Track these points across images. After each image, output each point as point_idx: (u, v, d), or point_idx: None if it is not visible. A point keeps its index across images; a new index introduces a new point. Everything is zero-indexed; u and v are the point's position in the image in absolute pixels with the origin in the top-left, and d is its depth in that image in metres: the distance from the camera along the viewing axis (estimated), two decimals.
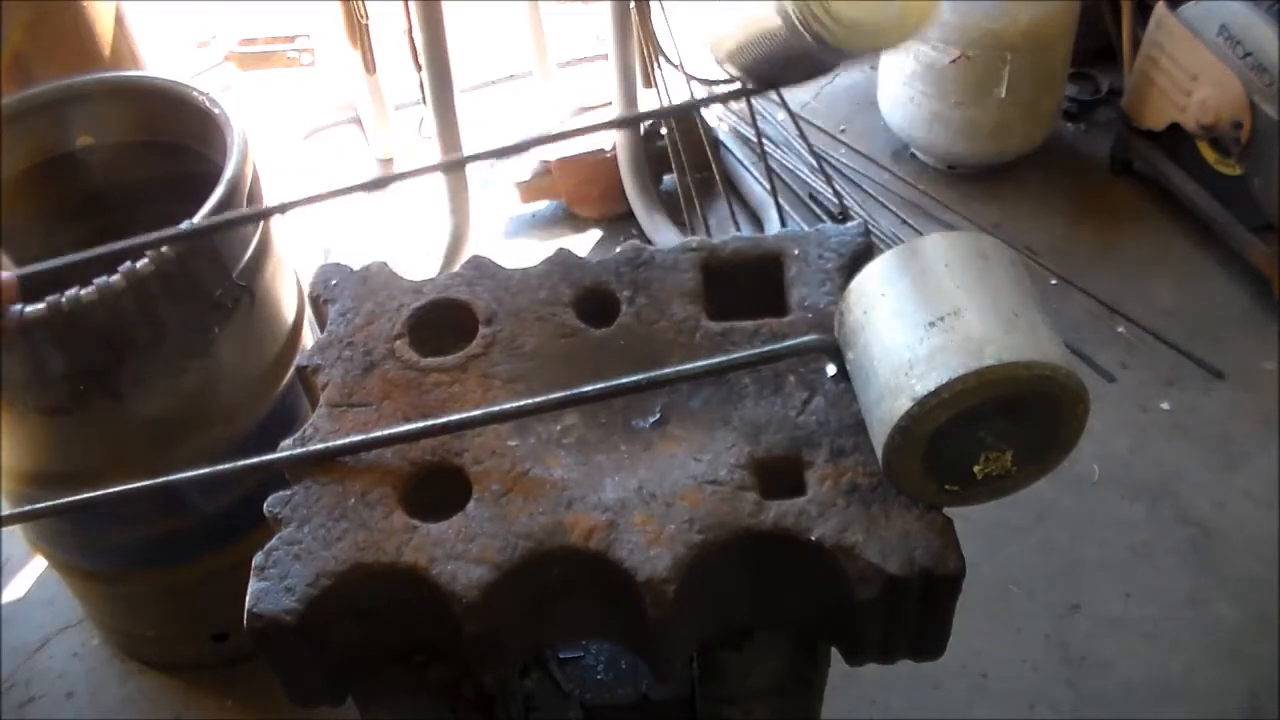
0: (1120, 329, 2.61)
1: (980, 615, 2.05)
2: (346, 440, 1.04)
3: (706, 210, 2.77)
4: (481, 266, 1.23)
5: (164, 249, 1.47)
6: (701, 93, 2.66)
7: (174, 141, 1.82)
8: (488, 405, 1.05)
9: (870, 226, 2.63)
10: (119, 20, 2.15)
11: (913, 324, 0.82)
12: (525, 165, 2.95)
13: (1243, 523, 2.23)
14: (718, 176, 2.79)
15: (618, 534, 0.93)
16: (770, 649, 1.10)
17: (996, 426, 0.81)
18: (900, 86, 2.92)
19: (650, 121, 2.83)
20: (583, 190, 2.93)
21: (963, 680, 2.00)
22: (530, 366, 1.10)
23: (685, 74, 2.70)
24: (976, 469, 0.84)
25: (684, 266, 1.15)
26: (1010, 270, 0.85)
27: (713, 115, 3.08)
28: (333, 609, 0.97)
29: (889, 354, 0.82)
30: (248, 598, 0.97)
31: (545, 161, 2.91)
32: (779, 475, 0.96)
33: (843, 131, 3.20)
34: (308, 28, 3.39)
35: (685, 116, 2.73)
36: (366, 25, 2.91)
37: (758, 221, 2.83)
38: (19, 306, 1.42)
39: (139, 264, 1.46)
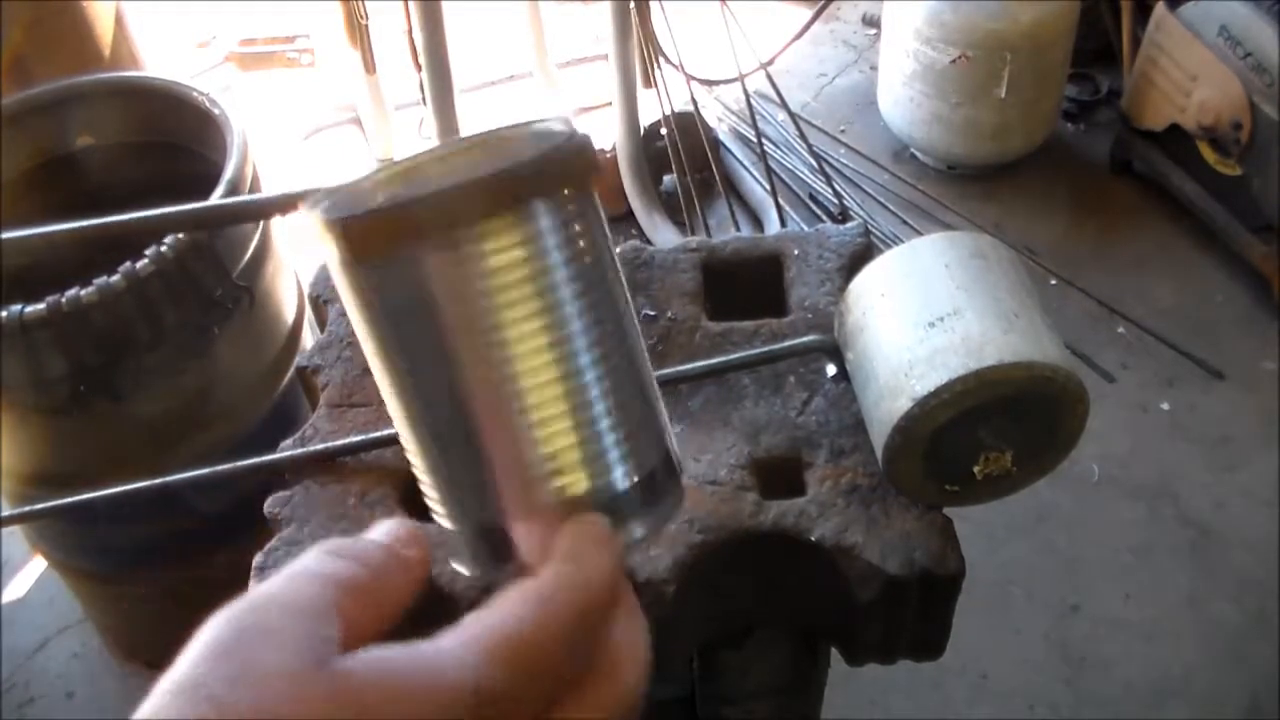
0: (1120, 329, 2.61)
1: (980, 615, 2.05)
2: (346, 441, 1.04)
3: (706, 210, 2.76)
4: None
5: (164, 249, 1.47)
6: (701, 93, 2.66)
7: (174, 141, 1.82)
8: None
9: (870, 226, 2.63)
10: (119, 20, 2.15)
11: (912, 324, 0.82)
12: None
13: (1243, 523, 2.23)
14: (718, 176, 2.79)
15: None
16: (770, 649, 1.10)
17: (996, 427, 0.81)
18: (900, 87, 2.92)
19: (649, 121, 2.83)
20: None
21: (963, 680, 2.00)
22: None
23: (685, 74, 2.70)
24: (976, 469, 0.84)
25: (684, 266, 1.14)
26: (1010, 270, 0.85)
27: (713, 115, 3.08)
28: None
29: (889, 354, 0.82)
30: None
31: None
32: (779, 475, 0.96)
33: (843, 132, 3.20)
34: (308, 28, 3.39)
35: (685, 117, 2.73)
36: (366, 25, 2.91)
37: (758, 221, 2.83)
38: (19, 306, 1.42)
39: (139, 264, 1.47)
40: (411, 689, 0.35)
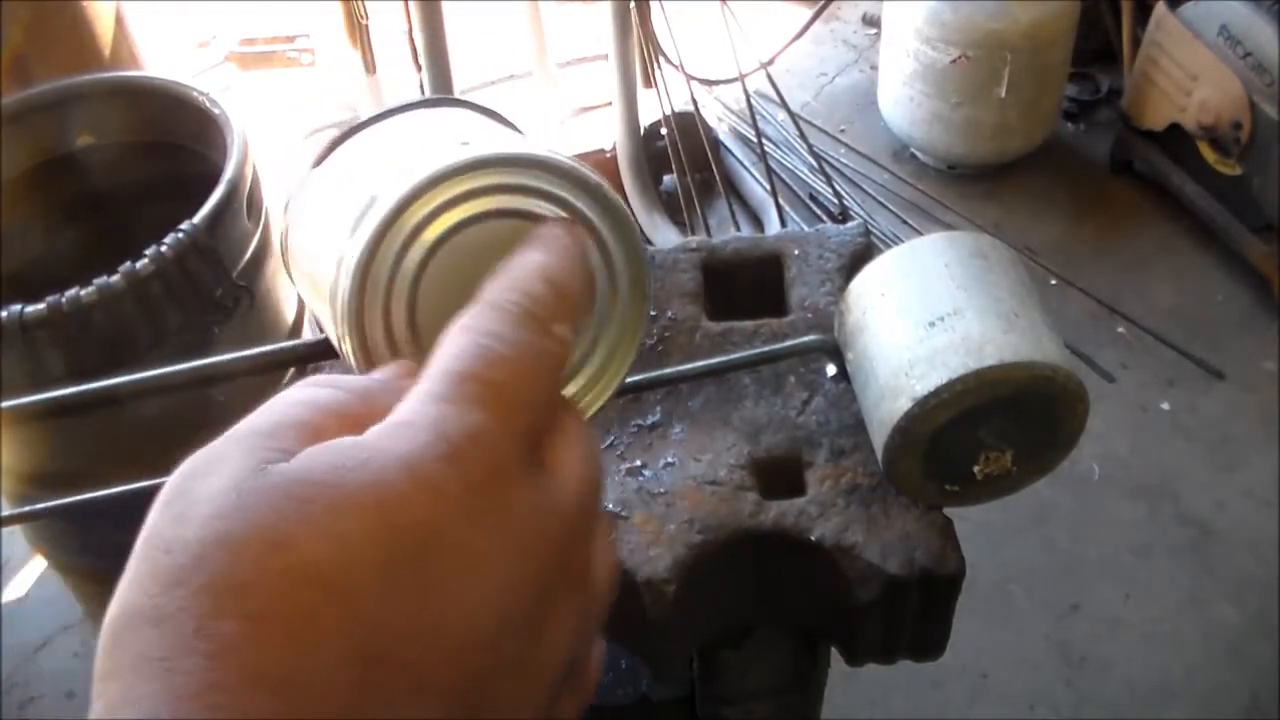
0: (1120, 329, 2.61)
1: (980, 615, 2.05)
2: None
3: (706, 210, 2.76)
4: None
5: (164, 249, 1.48)
6: (701, 93, 2.66)
7: (174, 141, 1.82)
8: None
9: (870, 226, 2.63)
10: (119, 20, 2.15)
11: (913, 324, 0.82)
12: None
13: (1243, 523, 2.23)
14: (718, 176, 2.79)
15: (617, 534, 0.93)
16: (770, 649, 1.10)
17: (996, 427, 0.81)
18: (900, 86, 2.92)
19: (649, 122, 2.83)
20: None
21: (963, 680, 2.00)
22: None
23: (685, 74, 2.70)
24: (976, 469, 0.84)
25: (684, 266, 1.14)
26: (1010, 270, 0.85)
27: (713, 115, 3.08)
28: None
29: (889, 354, 0.82)
30: None
31: None
32: (779, 475, 0.96)
33: (843, 132, 3.20)
34: (308, 28, 3.40)
35: (685, 117, 2.73)
36: (366, 25, 2.91)
37: (758, 221, 2.83)
38: (19, 306, 1.42)
39: (139, 264, 1.47)
40: (369, 459, 0.31)
